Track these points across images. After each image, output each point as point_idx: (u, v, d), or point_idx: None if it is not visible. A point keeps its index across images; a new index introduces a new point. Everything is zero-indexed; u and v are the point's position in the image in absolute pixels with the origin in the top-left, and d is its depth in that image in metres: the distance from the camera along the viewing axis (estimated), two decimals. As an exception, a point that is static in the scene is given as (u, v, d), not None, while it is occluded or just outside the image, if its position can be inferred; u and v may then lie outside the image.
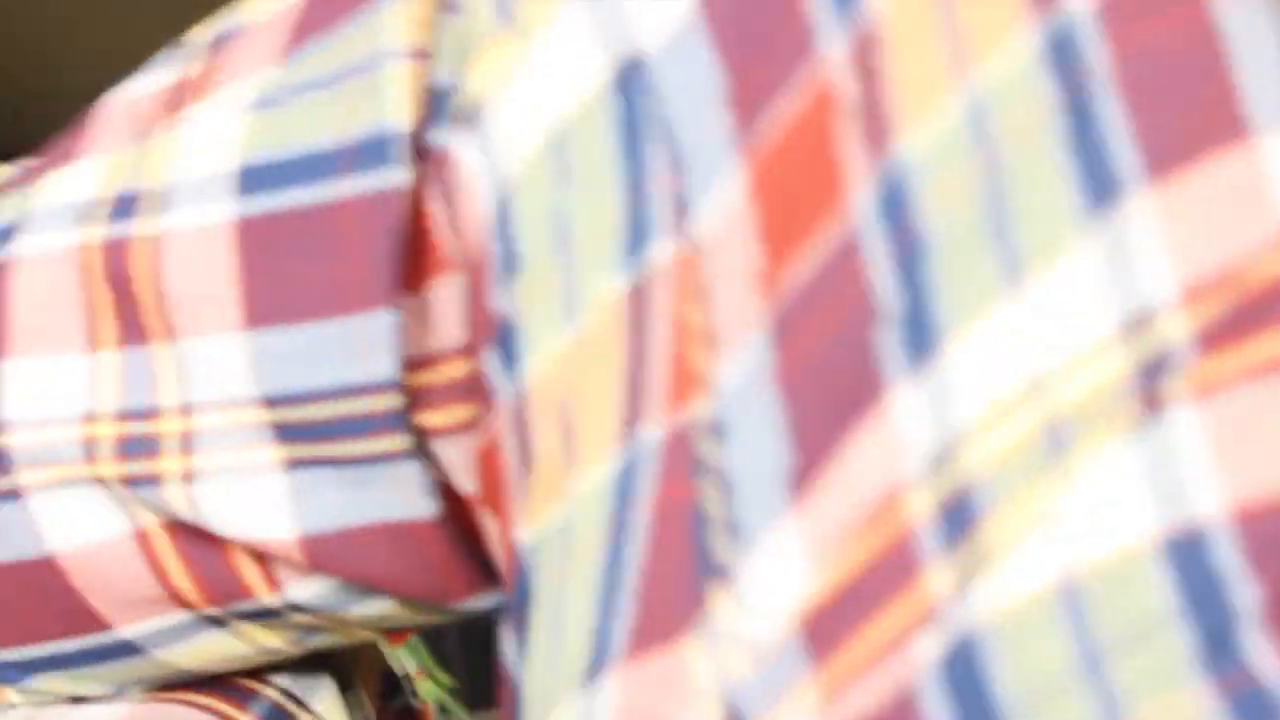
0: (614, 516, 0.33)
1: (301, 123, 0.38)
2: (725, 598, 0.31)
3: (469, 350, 0.38)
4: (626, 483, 0.32)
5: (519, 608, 0.35)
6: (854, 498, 0.30)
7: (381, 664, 0.52)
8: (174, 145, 0.40)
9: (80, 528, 0.42)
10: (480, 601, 0.42)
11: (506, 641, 0.36)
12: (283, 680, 0.48)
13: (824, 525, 0.30)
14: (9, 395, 0.41)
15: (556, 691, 0.33)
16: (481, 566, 0.41)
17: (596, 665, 0.32)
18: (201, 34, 0.44)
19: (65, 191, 0.42)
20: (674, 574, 0.31)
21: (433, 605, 0.42)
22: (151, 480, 0.40)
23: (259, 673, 0.47)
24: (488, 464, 0.37)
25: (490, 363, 0.36)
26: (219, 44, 0.43)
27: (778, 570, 0.30)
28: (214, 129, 0.40)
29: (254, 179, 0.39)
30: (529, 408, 0.35)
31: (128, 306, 0.40)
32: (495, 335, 0.36)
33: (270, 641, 0.44)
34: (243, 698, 0.46)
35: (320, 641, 0.45)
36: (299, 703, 0.47)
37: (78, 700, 0.46)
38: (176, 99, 0.42)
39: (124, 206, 0.40)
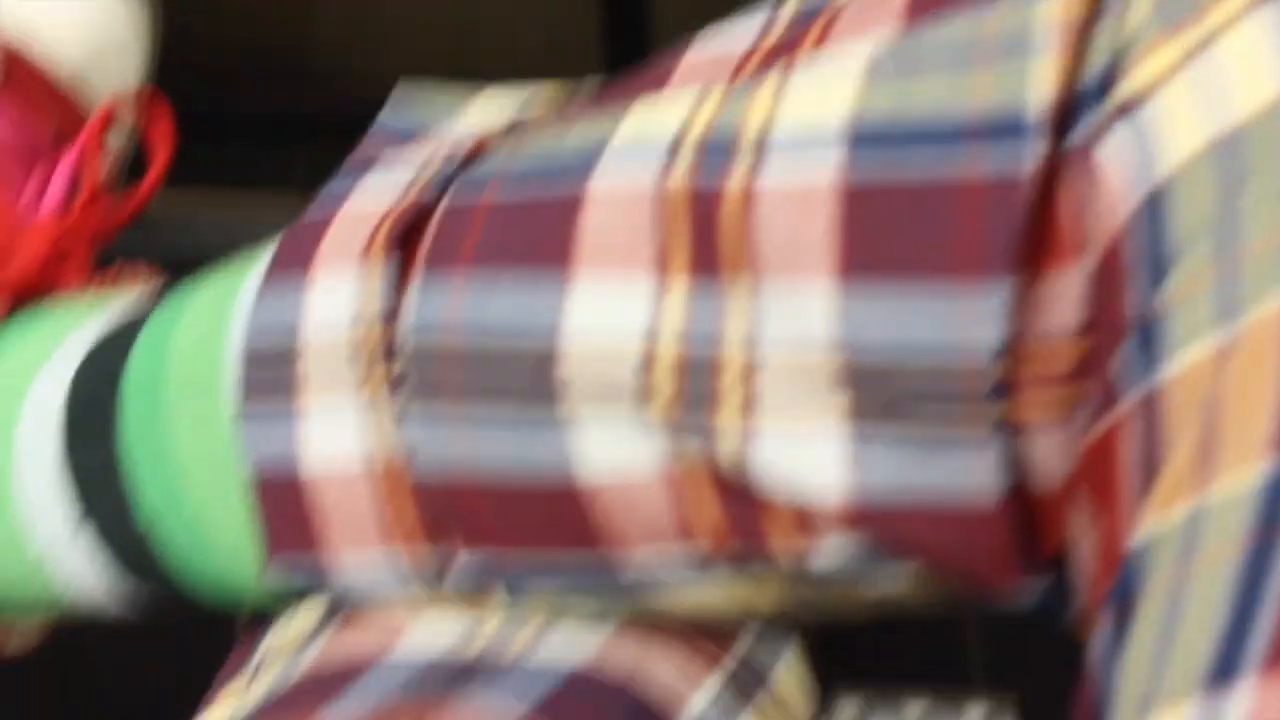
0: (1259, 524, 0.31)
1: (924, 90, 0.38)
2: None
3: (1077, 342, 0.37)
4: (1277, 492, 0.31)
5: (1120, 604, 0.33)
6: None
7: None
8: (778, 95, 0.40)
9: (620, 456, 0.41)
10: (1011, 596, 0.40)
11: (1098, 638, 0.34)
12: (744, 644, 0.46)
13: None
14: (569, 325, 0.41)
15: (1163, 690, 0.31)
16: (1027, 561, 0.39)
17: (1226, 670, 0.30)
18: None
19: (650, 127, 0.42)
20: None
21: (964, 587, 0.40)
22: (707, 407, 0.39)
23: (726, 634, 0.46)
24: (1098, 459, 0.36)
25: (1123, 358, 0.35)
26: (813, 5, 0.42)
27: None
28: (824, 85, 0.39)
29: (866, 139, 0.38)
30: (1164, 406, 0.33)
31: (705, 242, 0.39)
32: (1132, 331, 0.34)
33: (765, 599, 0.43)
34: (706, 663, 0.45)
35: (811, 610, 0.43)
36: (758, 676, 0.46)
37: (554, 621, 0.45)
38: (768, 54, 0.42)
39: (716, 149, 0.40)
